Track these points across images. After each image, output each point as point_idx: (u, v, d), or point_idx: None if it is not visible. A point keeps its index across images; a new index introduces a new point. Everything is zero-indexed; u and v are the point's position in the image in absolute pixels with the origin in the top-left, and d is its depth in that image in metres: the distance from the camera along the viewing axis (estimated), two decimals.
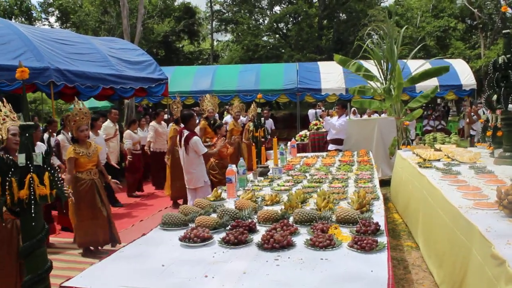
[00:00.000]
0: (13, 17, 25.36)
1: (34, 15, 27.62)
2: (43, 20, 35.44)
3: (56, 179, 2.84)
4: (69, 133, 6.28)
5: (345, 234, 3.03)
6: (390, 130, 9.92)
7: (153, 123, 10.52)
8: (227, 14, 38.33)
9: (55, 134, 8.90)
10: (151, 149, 10.41)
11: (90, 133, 7.48)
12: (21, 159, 2.71)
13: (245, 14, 37.06)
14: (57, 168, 3.01)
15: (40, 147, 6.58)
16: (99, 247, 6.17)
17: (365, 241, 2.76)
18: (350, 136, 9.52)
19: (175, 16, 34.03)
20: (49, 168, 2.81)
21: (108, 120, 9.75)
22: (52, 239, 6.82)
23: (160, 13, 33.30)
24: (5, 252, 4.04)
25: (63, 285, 2.46)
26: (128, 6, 20.05)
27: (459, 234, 3.74)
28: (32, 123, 2.85)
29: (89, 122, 6.16)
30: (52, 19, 36.78)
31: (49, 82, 8.72)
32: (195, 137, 6.62)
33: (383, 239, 2.90)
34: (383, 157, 9.92)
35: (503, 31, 5.94)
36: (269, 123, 14.83)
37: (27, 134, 2.74)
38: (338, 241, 2.85)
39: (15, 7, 25.23)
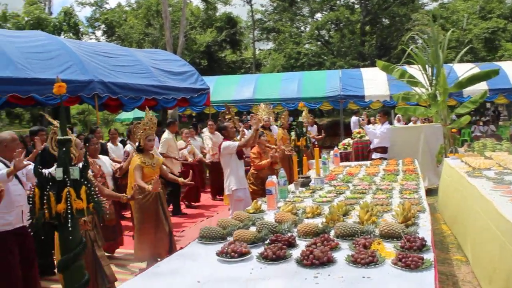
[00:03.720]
0: (62, 32, 26.33)
1: (81, 30, 28.64)
2: (90, 34, 36.72)
3: (93, 192, 2.82)
4: (136, 143, 6.18)
5: (389, 250, 2.87)
6: (437, 137, 9.57)
7: (207, 133, 10.45)
8: (268, 23, 38.46)
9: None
10: (207, 159, 10.42)
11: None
12: (58, 173, 2.71)
13: (286, 22, 37.07)
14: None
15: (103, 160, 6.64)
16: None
17: (410, 259, 2.59)
18: (395, 144, 9.24)
19: (217, 26, 34.42)
20: (86, 182, 2.79)
21: (167, 132, 9.37)
22: (120, 251, 6.86)
23: (202, 23, 33.75)
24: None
25: None
26: (170, 18, 20.42)
27: None
28: (69, 137, 2.85)
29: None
30: (99, 33, 38.10)
31: (93, 94, 8.91)
32: (223, 142, 6.55)
33: (429, 256, 2.73)
34: (430, 166, 9.57)
35: None
36: (313, 130, 14.59)
37: (64, 148, 2.73)
38: (381, 258, 2.70)
39: (64, 23, 26.20)
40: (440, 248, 6.11)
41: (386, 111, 10.19)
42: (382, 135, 8.94)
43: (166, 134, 9.25)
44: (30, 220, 2.71)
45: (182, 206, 9.86)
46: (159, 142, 9.16)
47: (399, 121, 15.67)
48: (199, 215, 9.29)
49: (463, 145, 10.27)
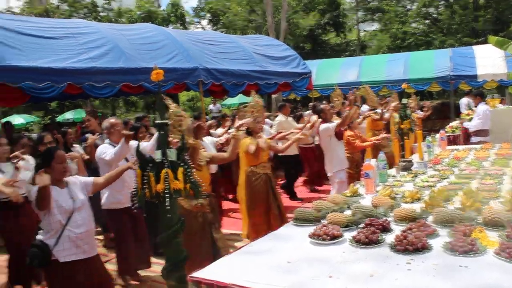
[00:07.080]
0: (170, 23, 27.72)
1: (188, 20, 29.88)
2: (196, 23, 38.09)
3: (189, 174, 2.96)
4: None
5: (492, 239, 2.68)
6: None
7: (280, 117, 10.44)
8: (372, 3, 37.21)
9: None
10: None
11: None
12: (157, 155, 2.87)
13: (391, 1, 35.58)
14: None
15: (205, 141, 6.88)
16: None
17: None
18: (507, 127, 8.56)
19: (320, 9, 33.93)
20: (183, 164, 2.93)
21: (281, 115, 9.52)
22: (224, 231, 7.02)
23: (304, 7, 33.51)
24: (199, 240, 4.40)
25: (192, 275, 2.55)
26: (272, 3, 20.52)
27: None
28: (167, 121, 3.01)
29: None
30: (204, 22, 39.39)
31: (198, 81, 9.28)
32: (321, 125, 6.47)
33: None
34: None
35: None
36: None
37: (162, 132, 2.88)
38: (482, 247, 2.54)
39: (172, 15, 27.55)
40: None
41: (480, 92, 9.50)
42: (479, 123, 8.49)
43: (280, 117, 9.48)
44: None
45: (306, 190, 9.80)
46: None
47: None
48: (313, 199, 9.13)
49: None
